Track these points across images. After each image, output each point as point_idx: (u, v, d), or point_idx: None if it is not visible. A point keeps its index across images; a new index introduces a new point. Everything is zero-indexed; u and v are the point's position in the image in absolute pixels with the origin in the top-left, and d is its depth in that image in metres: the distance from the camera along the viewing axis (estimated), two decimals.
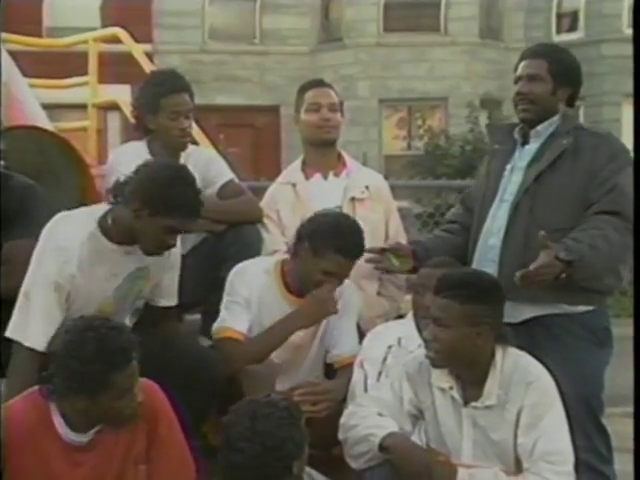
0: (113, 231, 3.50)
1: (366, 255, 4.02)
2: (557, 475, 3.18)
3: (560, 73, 3.88)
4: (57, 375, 2.92)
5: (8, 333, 3.37)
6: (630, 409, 6.64)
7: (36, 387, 3.05)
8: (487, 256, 3.85)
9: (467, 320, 3.23)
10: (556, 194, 3.76)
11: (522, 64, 3.94)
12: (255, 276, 3.86)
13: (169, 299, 3.79)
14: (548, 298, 3.67)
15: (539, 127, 3.89)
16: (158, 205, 3.42)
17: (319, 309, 3.79)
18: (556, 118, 3.89)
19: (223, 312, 3.84)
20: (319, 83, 4.51)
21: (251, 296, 3.83)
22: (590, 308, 3.77)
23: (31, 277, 3.42)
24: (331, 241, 3.72)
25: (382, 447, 3.25)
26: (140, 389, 3.01)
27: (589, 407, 3.69)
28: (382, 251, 4.13)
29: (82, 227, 3.51)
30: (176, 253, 3.73)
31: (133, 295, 3.61)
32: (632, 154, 3.91)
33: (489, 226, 3.91)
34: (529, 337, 3.59)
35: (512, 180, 3.90)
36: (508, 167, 3.94)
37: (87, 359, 2.86)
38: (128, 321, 3.63)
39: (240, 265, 3.89)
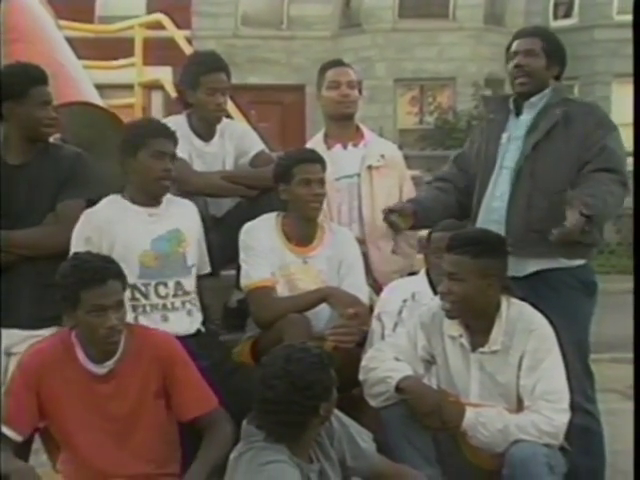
0: (130, 194, 3.56)
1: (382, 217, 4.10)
2: (554, 412, 3.18)
3: (552, 51, 3.90)
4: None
5: None
6: (614, 355, 6.71)
7: (66, 328, 3.13)
8: (491, 217, 3.83)
9: (479, 273, 3.23)
10: (553, 160, 3.75)
11: (517, 42, 3.93)
12: (262, 231, 3.83)
13: (204, 267, 3.77)
14: (548, 253, 3.68)
15: (532, 99, 3.88)
16: (133, 141, 3.51)
17: (350, 300, 3.65)
18: (547, 91, 3.88)
19: (244, 267, 3.79)
20: (338, 63, 4.46)
21: (263, 248, 3.79)
22: (582, 262, 3.78)
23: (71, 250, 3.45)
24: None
25: (398, 388, 3.26)
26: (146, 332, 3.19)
27: (580, 351, 3.68)
28: (390, 211, 4.11)
29: (106, 200, 3.58)
30: (196, 216, 3.72)
31: (177, 255, 3.59)
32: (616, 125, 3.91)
33: (491, 191, 3.89)
34: (532, 289, 3.58)
35: (510, 148, 3.88)
36: (504, 135, 3.92)
37: (64, 275, 3.00)
38: (189, 285, 3.61)
39: (248, 224, 3.85)
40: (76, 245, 3.44)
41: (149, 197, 3.57)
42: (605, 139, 3.73)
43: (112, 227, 3.49)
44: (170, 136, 3.56)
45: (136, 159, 3.50)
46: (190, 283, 3.63)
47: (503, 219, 3.78)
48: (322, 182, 3.80)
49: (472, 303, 3.25)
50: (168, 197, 3.65)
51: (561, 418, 3.20)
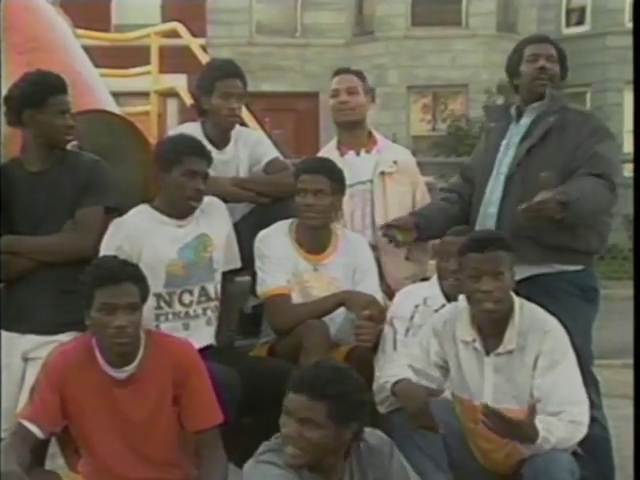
0: (159, 205, 3.63)
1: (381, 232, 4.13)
2: (578, 416, 3.17)
3: (562, 60, 3.98)
4: None
5: None
6: (622, 361, 6.66)
7: (88, 333, 3.14)
8: (487, 223, 3.87)
9: (511, 266, 3.25)
10: (545, 166, 3.73)
11: (534, 46, 3.97)
12: (276, 238, 3.84)
13: (234, 262, 3.80)
14: (541, 258, 3.72)
15: (535, 104, 3.92)
16: (167, 157, 3.58)
17: (367, 301, 3.67)
18: (546, 98, 3.90)
19: (260, 275, 3.80)
20: (341, 71, 4.46)
21: (278, 255, 3.80)
22: (579, 268, 3.79)
23: None
24: None
25: (393, 392, 3.29)
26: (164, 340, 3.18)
27: (581, 358, 3.64)
28: (388, 227, 4.12)
29: (135, 209, 3.64)
30: (224, 214, 3.78)
31: (204, 260, 3.63)
32: (614, 134, 3.97)
33: (488, 197, 3.92)
34: (527, 295, 3.52)
35: (507, 154, 3.91)
36: (504, 143, 3.96)
37: (84, 275, 3.05)
38: (213, 291, 3.66)
39: (262, 232, 3.86)
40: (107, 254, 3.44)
41: (178, 212, 3.63)
42: (597, 146, 3.74)
43: (141, 235, 3.54)
44: (204, 155, 3.62)
45: (169, 175, 3.56)
46: (214, 288, 3.66)
47: (495, 224, 3.81)
48: (321, 193, 3.76)
49: (509, 298, 3.26)
50: None
51: (584, 422, 3.19)
